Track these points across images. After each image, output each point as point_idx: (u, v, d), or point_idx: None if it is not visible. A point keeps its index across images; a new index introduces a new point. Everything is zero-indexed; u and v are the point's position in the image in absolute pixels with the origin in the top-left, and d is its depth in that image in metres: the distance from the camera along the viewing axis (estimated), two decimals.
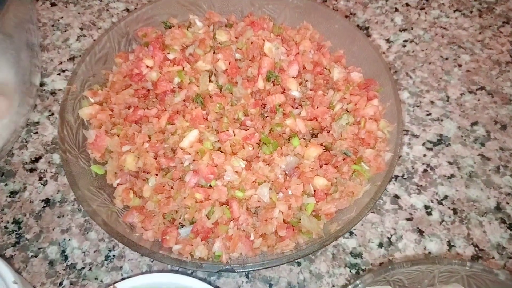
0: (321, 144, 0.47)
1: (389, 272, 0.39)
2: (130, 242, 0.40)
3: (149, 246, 0.41)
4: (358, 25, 0.72)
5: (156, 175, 0.46)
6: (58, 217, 0.54)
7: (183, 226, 0.44)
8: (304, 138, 0.48)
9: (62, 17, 0.74)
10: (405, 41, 0.71)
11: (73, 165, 0.45)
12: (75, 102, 0.50)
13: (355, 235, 0.53)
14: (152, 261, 0.50)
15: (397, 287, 0.41)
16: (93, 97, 0.51)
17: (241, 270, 0.40)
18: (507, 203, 0.55)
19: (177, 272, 0.48)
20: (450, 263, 0.39)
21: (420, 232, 0.53)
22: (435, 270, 0.40)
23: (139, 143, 0.47)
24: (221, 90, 0.51)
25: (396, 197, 0.56)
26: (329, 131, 0.48)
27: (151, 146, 0.46)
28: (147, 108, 0.49)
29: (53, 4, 0.75)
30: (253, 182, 0.44)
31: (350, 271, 0.50)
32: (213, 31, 0.55)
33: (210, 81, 0.51)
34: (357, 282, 0.39)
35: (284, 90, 0.51)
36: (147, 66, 0.52)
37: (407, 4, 0.76)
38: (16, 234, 0.53)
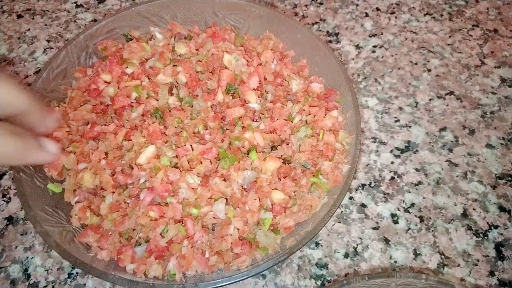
0: (280, 157, 0.47)
1: (345, 287, 0.39)
2: (82, 263, 0.39)
3: (104, 266, 0.41)
4: (327, 32, 0.72)
5: (113, 192, 0.45)
6: (21, 234, 0.53)
7: (140, 244, 0.43)
8: (263, 151, 0.47)
9: (29, 29, 0.73)
10: (375, 46, 0.71)
11: (27, 185, 0.44)
12: None
13: (321, 245, 0.52)
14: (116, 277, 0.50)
15: None
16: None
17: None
18: (474, 209, 0.55)
19: None
20: (406, 276, 0.39)
21: (386, 241, 0.53)
22: (391, 283, 0.40)
23: (95, 160, 0.46)
24: (181, 103, 0.50)
25: (363, 206, 0.55)
26: (288, 143, 0.48)
27: (108, 163, 0.46)
28: (105, 124, 0.49)
29: (19, 16, 0.74)
30: (209, 198, 0.43)
31: (315, 282, 0.50)
32: (173, 43, 0.55)
33: (171, 94, 0.51)
34: None
35: (245, 102, 0.50)
36: (105, 81, 0.51)
37: (378, 9, 0.76)
38: None
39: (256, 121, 0.49)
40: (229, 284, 0.39)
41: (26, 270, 0.51)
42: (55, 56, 0.53)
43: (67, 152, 0.47)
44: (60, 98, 0.53)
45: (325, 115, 0.49)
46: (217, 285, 0.39)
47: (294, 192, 0.45)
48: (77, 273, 0.51)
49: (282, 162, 0.46)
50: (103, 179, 0.45)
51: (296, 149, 0.47)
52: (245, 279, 0.39)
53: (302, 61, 0.57)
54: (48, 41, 0.71)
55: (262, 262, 0.41)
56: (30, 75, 0.67)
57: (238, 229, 0.42)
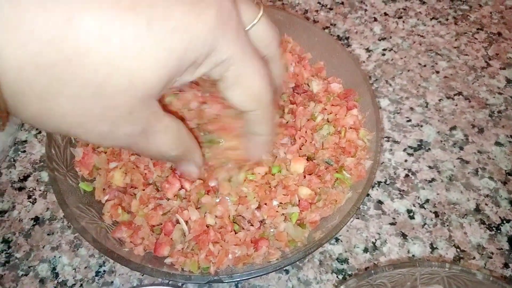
0: (304, 156, 0.49)
1: (372, 277, 0.41)
2: (119, 257, 0.41)
3: (140, 260, 0.42)
4: (338, 36, 0.74)
5: (143, 189, 0.47)
6: (48, 234, 0.55)
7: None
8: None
9: None
10: (384, 49, 0.73)
11: (61, 183, 0.45)
12: None
13: (341, 241, 0.54)
14: (142, 275, 0.51)
15: None
16: None
17: (229, 281, 0.41)
18: (486, 204, 0.57)
19: (167, 285, 0.49)
20: (430, 266, 0.41)
21: (404, 236, 0.55)
22: (416, 272, 0.41)
23: (126, 158, 0.47)
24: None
25: (380, 202, 0.57)
26: (311, 141, 0.50)
27: (138, 160, 0.47)
28: None
29: None
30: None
31: (337, 276, 0.52)
32: None
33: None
34: (342, 287, 0.40)
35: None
36: None
37: (385, 14, 0.78)
38: (6, 253, 0.53)
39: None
40: (261, 275, 0.41)
41: (54, 269, 0.52)
42: None
43: (98, 152, 0.49)
44: None
45: (346, 113, 0.51)
46: (249, 277, 0.40)
47: (319, 188, 0.47)
48: (104, 271, 0.52)
49: (306, 159, 0.48)
50: (134, 177, 0.47)
51: (319, 147, 0.49)
52: (277, 270, 0.41)
53: (319, 63, 0.59)
54: None
55: (291, 254, 0.43)
56: None
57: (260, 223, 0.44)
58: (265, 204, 0.46)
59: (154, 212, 0.45)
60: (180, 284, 0.49)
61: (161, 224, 0.45)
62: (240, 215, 0.46)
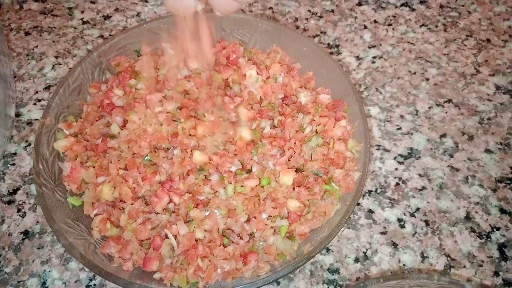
0: (293, 167, 0.49)
1: None
2: (107, 274, 0.40)
3: (128, 276, 0.42)
4: (328, 44, 0.75)
5: (132, 204, 0.47)
6: (38, 248, 0.54)
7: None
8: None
9: (37, 46, 0.74)
10: (374, 57, 0.73)
11: (49, 198, 0.45)
12: (50, 135, 0.51)
13: (332, 251, 0.54)
14: None
15: None
16: (67, 129, 0.52)
17: None
18: (476, 212, 0.57)
19: None
20: (418, 278, 0.41)
21: (394, 245, 0.55)
22: (405, 285, 0.41)
23: (114, 173, 0.47)
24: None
25: (370, 211, 0.57)
26: (300, 153, 0.50)
27: (126, 174, 0.47)
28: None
29: (27, 33, 0.76)
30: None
31: (328, 287, 0.52)
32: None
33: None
34: None
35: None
36: (119, 96, 0.53)
37: (375, 21, 0.79)
38: None
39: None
40: None
41: (44, 283, 0.52)
42: (71, 73, 0.54)
43: (86, 166, 0.49)
44: (76, 113, 0.55)
45: (334, 125, 0.51)
46: None
47: (308, 200, 0.47)
48: (94, 285, 0.52)
49: (295, 171, 0.48)
50: (122, 191, 0.46)
51: (308, 158, 0.49)
52: (265, 284, 0.41)
53: (308, 73, 0.59)
54: (56, 57, 0.73)
55: (280, 268, 0.42)
56: (40, 91, 0.68)
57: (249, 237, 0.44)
58: (254, 217, 0.46)
59: (143, 226, 0.45)
60: None
61: (150, 238, 0.45)
62: (229, 229, 0.46)
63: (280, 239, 0.44)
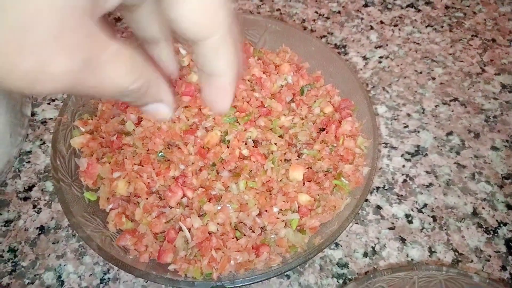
0: (303, 164, 0.50)
1: (371, 280, 0.42)
2: (124, 264, 0.42)
3: (144, 267, 0.43)
4: (335, 44, 0.76)
5: (147, 198, 0.48)
6: (53, 243, 0.56)
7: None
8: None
9: None
10: (381, 57, 0.75)
11: (66, 193, 0.46)
12: (67, 132, 0.52)
13: (341, 246, 0.55)
14: (146, 282, 0.52)
15: None
16: (83, 126, 0.53)
17: (232, 286, 0.42)
18: (483, 208, 0.58)
19: None
20: (428, 269, 0.42)
21: (402, 240, 0.56)
22: (414, 276, 0.42)
23: (129, 168, 0.49)
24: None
25: (378, 207, 0.58)
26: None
27: (141, 169, 0.49)
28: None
29: None
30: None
31: (337, 281, 0.53)
32: None
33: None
34: None
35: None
36: None
37: (382, 22, 0.80)
38: (12, 262, 0.54)
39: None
40: (263, 280, 0.42)
41: (59, 277, 0.53)
42: None
43: (101, 162, 0.50)
44: (90, 111, 0.56)
45: (340, 123, 0.53)
46: (252, 282, 0.41)
47: (318, 194, 0.48)
48: (109, 278, 0.53)
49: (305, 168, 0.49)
50: (137, 186, 0.48)
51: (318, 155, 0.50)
52: (278, 275, 0.42)
53: (317, 72, 0.60)
54: None
55: (292, 260, 0.44)
56: None
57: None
58: (266, 211, 0.47)
59: (157, 220, 0.46)
60: None
61: (164, 232, 0.46)
62: (241, 222, 0.47)
63: (291, 232, 0.46)
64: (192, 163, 0.49)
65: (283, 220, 0.47)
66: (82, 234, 0.43)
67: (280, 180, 0.48)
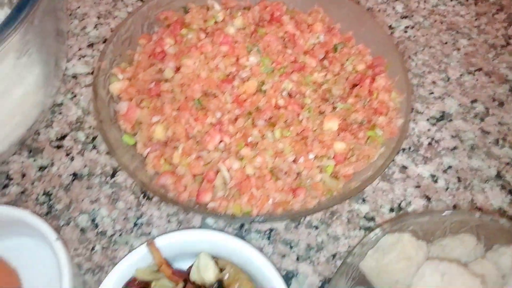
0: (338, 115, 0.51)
1: (405, 222, 0.43)
2: (169, 198, 0.43)
3: (186, 203, 0.44)
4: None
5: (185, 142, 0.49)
6: (87, 188, 0.57)
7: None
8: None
9: (79, 7, 0.77)
10: (406, 27, 0.75)
11: (109, 133, 0.48)
12: (105, 78, 0.53)
13: (368, 201, 0.56)
14: (179, 227, 0.53)
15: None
16: (121, 73, 0.54)
17: (271, 221, 0.44)
18: (507, 171, 0.60)
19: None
20: (462, 213, 0.43)
21: (428, 198, 0.57)
22: (447, 220, 0.44)
23: (168, 113, 0.50)
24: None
25: (404, 167, 0.60)
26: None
27: (179, 114, 0.50)
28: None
29: None
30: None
31: (364, 232, 0.54)
32: (230, 13, 0.59)
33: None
34: (377, 230, 0.42)
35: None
36: (171, 45, 0.55)
37: None
38: (47, 205, 0.56)
39: None
40: (298, 217, 0.43)
41: (93, 220, 0.55)
42: (123, 23, 0.57)
43: (140, 107, 0.51)
44: (127, 61, 0.57)
45: (374, 79, 0.54)
46: (289, 218, 0.43)
47: (352, 144, 0.49)
48: (141, 223, 0.54)
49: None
50: (176, 130, 0.49)
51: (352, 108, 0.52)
52: (313, 213, 0.43)
53: (348, 33, 0.61)
54: (98, 17, 0.75)
55: (327, 202, 0.45)
56: (83, 48, 0.71)
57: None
58: (301, 157, 0.48)
59: (196, 161, 0.47)
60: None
61: (203, 173, 0.47)
62: (276, 168, 0.48)
63: (327, 177, 0.47)
64: (229, 112, 0.51)
65: (318, 166, 0.48)
66: (127, 170, 0.44)
67: (315, 130, 0.49)
